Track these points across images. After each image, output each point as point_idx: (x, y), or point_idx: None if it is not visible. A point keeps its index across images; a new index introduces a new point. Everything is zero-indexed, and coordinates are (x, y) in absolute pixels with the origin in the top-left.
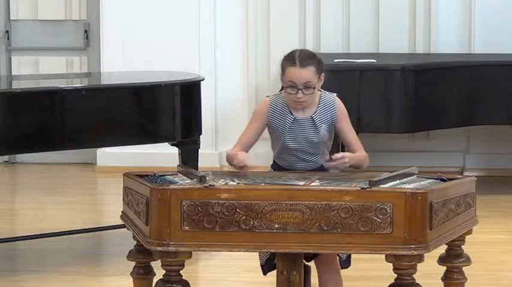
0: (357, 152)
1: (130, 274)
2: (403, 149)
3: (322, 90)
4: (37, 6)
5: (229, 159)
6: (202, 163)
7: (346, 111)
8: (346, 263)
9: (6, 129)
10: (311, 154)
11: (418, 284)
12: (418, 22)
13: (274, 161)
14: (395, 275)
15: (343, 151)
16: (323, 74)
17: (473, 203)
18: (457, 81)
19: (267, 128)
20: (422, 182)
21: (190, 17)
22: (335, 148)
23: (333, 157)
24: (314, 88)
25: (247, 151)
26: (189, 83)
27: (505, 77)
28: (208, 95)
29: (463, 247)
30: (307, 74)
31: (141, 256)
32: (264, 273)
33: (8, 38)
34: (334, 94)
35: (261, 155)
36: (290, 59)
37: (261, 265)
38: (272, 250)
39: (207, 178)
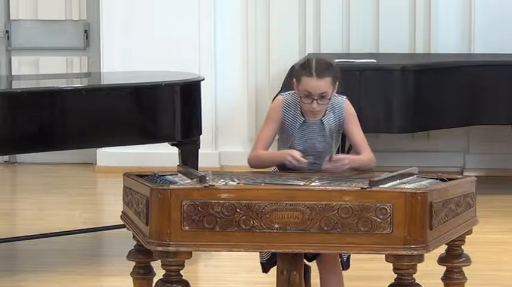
0: (363, 154)
1: (131, 274)
2: (403, 149)
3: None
4: (37, 6)
5: (280, 158)
6: (202, 163)
7: (354, 113)
8: (346, 264)
9: (6, 129)
10: (318, 157)
11: (418, 284)
12: (418, 22)
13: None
14: (395, 275)
15: (348, 152)
16: (337, 82)
17: (473, 203)
18: (457, 82)
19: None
20: (422, 182)
21: (190, 17)
22: (340, 150)
23: (333, 157)
24: (329, 99)
25: (267, 150)
26: (189, 83)
27: (505, 77)
28: (208, 95)
29: (463, 247)
30: (324, 85)
31: (141, 256)
32: (265, 271)
33: (8, 38)
34: (344, 97)
35: None
36: (307, 69)
37: (262, 263)
38: (272, 250)
39: (207, 178)
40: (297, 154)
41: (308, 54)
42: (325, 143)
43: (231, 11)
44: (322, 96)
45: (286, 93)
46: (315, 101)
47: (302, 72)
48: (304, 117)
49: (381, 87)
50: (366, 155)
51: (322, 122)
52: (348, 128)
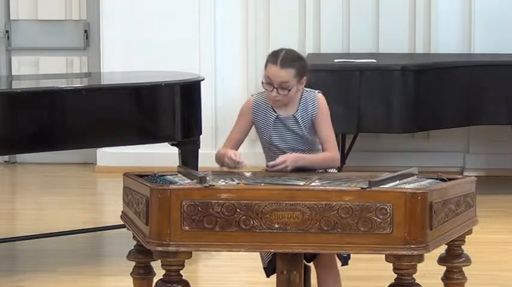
0: (324, 153)
1: (131, 274)
2: (403, 149)
3: (306, 89)
4: (37, 6)
5: (220, 158)
6: (202, 163)
7: (327, 108)
8: (346, 259)
9: (6, 129)
10: (301, 150)
11: (418, 284)
12: (418, 22)
13: (267, 165)
14: (395, 275)
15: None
16: (305, 77)
17: (473, 203)
18: (457, 81)
19: (254, 128)
20: (422, 182)
21: (190, 17)
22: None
23: (274, 162)
24: (289, 90)
25: (236, 150)
26: (189, 83)
27: (505, 77)
28: (208, 95)
29: (463, 247)
30: (285, 75)
31: (141, 256)
32: (268, 275)
33: (8, 38)
34: (317, 91)
35: (259, 155)
36: (273, 57)
37: (264, 268)
38: (272, 250)
39: (207, 178)
40: (232, 154)
41: (308, 54)
42: (304, 140)
43: (231, 11)
44: (282, 86)
45: (257, 93)
46: (275, 89)
47: (269, 59)
48: (276, 113)
49: (381, 87)
50: (328, 153)
51: (295, 117)
52: (317, 123)
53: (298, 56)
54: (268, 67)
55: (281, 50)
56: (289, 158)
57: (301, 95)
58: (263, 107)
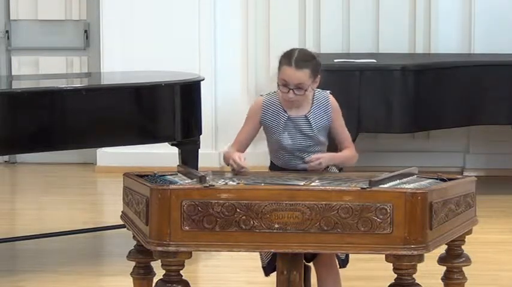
0: (346, 150)
1: (131, 274)
2: (403, 149)
3: (316, 89)
4: (37, 6)
5: (227, 159)
6: (202, 163)
7: (339, 109)
8: (344, 262)
9: (6, 129)
10: (308, 152)
11: (418, 284)
12: (418, 22)
13: (271, 161)
14: (395, 275)
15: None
16: (319, 76)
17: (473, 203)
18: (457, 82)
19: (262, 128)
20: (422, 182)
21: (190, 17)
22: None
23: (310, 158)
24: (306, 90)
25: (243, 151)
26: (189, 83)
27: (505, 77)
28: (208, 95)
29: (463, 247)
30: (301, 76)
31: (141, 256)
32: (266, 275)
33: (8, 38)
34: (328, 92)
35: (261, 155)
36: (287, 58)
37: (263, 267)
38: (272, 250)
39: (207, 178)
40: (237, 157)
41: None
42: (313, 140)
43: (231, 11)
44: (298, 87)
45: (267, 93)
46: (291, 90)
47: (283, 61)
48: (287, 114)
49: (381, 87)
50: (350, 151)
51: (307, 118)
52: (335, 126)
53: (311, 56)
54: (283, 69)
55: (294, 50)
56: (324, 157)
57: (313, 95)
58: (274, 107)
